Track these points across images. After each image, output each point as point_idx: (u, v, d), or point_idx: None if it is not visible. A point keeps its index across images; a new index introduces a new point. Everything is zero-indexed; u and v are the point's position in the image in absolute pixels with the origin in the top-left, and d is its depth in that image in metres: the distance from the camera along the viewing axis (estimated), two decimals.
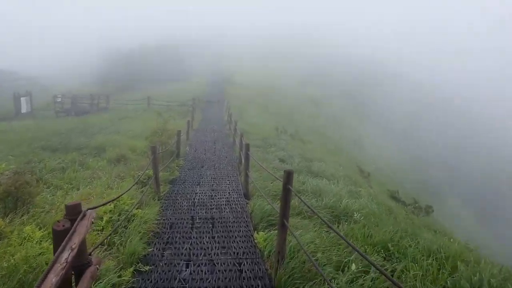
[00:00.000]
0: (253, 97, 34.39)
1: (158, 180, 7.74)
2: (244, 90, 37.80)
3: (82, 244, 2.85)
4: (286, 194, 4.37)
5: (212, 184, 9.03)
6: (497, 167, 40.35)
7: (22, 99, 25.98)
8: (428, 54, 75.48)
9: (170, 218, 6.51)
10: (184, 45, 68.43)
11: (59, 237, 2.53)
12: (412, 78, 61.09)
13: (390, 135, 44.11)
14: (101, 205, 3.99)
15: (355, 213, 6.72)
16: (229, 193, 8.24)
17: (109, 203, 5.70)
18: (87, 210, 2.98)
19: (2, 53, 64.80)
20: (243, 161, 9.69)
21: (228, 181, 9.37)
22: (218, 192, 8.25)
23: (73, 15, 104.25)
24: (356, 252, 4.94)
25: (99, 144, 13.30)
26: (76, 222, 2.73)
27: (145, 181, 8.12)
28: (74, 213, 2.86)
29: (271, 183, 8.66)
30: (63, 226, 2.60)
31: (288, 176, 4.35)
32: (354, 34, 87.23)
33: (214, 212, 6.92)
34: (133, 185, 6.58)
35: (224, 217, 6.60)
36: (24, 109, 25.97)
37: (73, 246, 2.43)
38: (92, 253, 3.43)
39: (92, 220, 3.02)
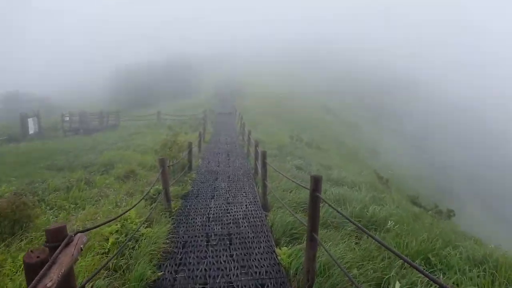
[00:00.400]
0: (266, 107, 33.84)
1: (169, 195, 7.10)
2: (256, 101, 37.30)
3: (66, 278, 2.21)
4: (314, 202, 3.72)
5: (227, 197, 8.36)
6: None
7: (30, 119, 25.70)
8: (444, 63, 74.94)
9: (183, 236, 5.88)
10: (194, 57, 68.56)
11: (32, 272, 1.93)
12: (430, 87, 60.53)
13: (406, 142, 43.37)
14: (95, 227, 3.32)
15: (389, 221, 6.03)
16: (246, 205, 7.57)
17: (112, 221, 5.08)
18: (74, 234, 2.36)
19: (12, 73, 65.62)
20: (259, 170, 9.07)
21: (244, 193, 8.71)
22: (234, 205, 7.59)
23: (81, 34, 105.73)
24: (396, 267, 4.30)
25: (107, 161, 12.74)
26: (57, 251, 2.12)
27: (154, 196, 7.52)
28: (57, 238, 2.26)
29: (290, 192, 8.01)
30: (37, 257, 1.99)
31: (316, 182, 3.69)
32: (373, 42, 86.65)
33: (231, 227, 6.27)
34: (140, 200, 5.96)
35: (242, 233, 5.95)
36: (31, 130, 25.65)
37: (48, 285, 1.81)
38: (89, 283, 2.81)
39: (82, 246, 2.39)
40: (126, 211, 4.95)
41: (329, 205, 3.81)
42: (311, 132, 27.09)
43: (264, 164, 7.70)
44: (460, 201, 32.13)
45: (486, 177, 39.25)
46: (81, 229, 2.45)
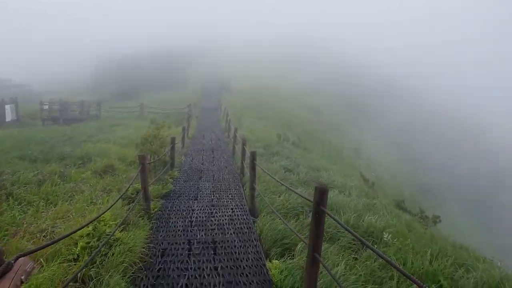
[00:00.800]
0: (252, 104, 33.30)
1: (148, 195, 6.49)
2: (242, 98, 36.73)
3: None
4: (319, 218, 3.20)
5: (212, 199, 7.79)
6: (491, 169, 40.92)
7: (7, 106, 24.66)
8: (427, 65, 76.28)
9: (162, 243, 5.32)
10: (180, 52, 67.59)
11: None
12: (412, 88, 61.46)
13: (389, 143, 43.66)
14: (47, 245, 2.71)
15: (384, 233, 5.56)
16: (232, 209, 7.01)
17: (78, 230, 4.48)
18: (14, 261, 1.77)
19: None
20: (246, 171, 8.54)
21: (230, 195, 8.14)
22: (219, 209, 7.02)
23: (66, 22, 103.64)
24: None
25: (85, 153, 12.01)
26: None
27: (133, 196, 6.93)
28: None
29: (279, 196, 7.50)
30: None
31: (322, 194, 3.17)
32: (361, 47, 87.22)
33: (216, 233, 5.72)
34: (116, 201, 5.36)
35: (227, 240, 5.41)
36: (9, 117, 24.64)
37: None
38: None
39: (23, 277, 1.80)
40: (99, 215, 4.36)
41: (339, 223, 3.28)
42: (296, 130, 26.73)
43: (253, 166, 7.10)
44: (442, 200, 32.73)
45: (464, 175, 40.13)
46: (23, 251, 1.82)
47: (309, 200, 3.46)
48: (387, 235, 5.44)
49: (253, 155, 7.17)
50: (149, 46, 69.59)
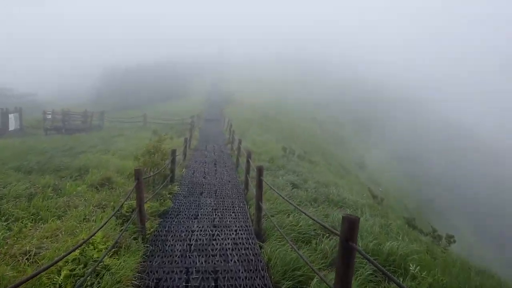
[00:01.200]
0: (255, 117, 32.94)
1: (143, 214, 5.84)
2: (245, 109, 36.40)
3: None
4: (347, 257, 2.56)
5: (214, 218, 7.14)
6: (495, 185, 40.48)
7: (11, 115, 24.36)
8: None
9: (157, 271, 4.68)
10: (183, 64, 67.66)
11: None
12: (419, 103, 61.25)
13: (394, 157, 43.18)
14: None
15: (410, 265, 4.90)
16: (236, 231, 6.33)
17: (61, 259, 3.89)
18: None
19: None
20: (251, 186, 7.93)
21: (233, 213, 7.49)
22: (221, 230, 6.35)
23: (70, 33, 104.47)
24: None
25: (83, 165, 11.46)
26: None
27: (127, 214, 6.33)
28: None
29: (288, 216, 6.87)
30: None
31: (352, 228, 2.55)
32: (368, 60, 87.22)
33: (217, 261, 5.04)
34: (107, 221, 4.74)
35: (231, 270, 4.74)
36: (12, 126, 24.32)
37: None
38: None
39: None
40: (88, 238, 3.78)
41: (378, 268, 2.64)
42: (300, 143, 26.23)
43: (260, 183, 6.42)
44: (445, 215, 32.27)
45: (469, 189, 39.73)
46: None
47: (331, 231, 2.85)
48: (414, 266, 4.78)
49: (260, 171, 6.49)
50: (155, 57, 69.65)
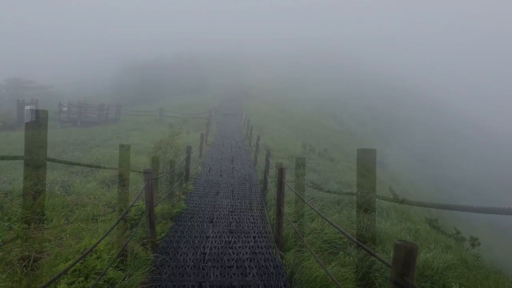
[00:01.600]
0: (274, 112, 32.30)
1: (153, 219, 5.29)
2: (263, 104, 35.76)
3: None
4: None
5: (231, 222, 6.58)
6: None
7: (27, 107, 24.27)
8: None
9: (166, 285, 4.14)
10: (202, 57, 67.26)
11: None
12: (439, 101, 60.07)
13: (413, 156, 42.07)
14: None
15: (453, 284, 4.25)
16: (254, 238, 5.73)
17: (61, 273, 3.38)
18: None
19: (18, 61, 64.71)
20: (270, 186, 7.35)
21: (251, 217, 6.92)
22: (238, 236, 5.77)
23: (90, 25, 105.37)
24: None
25: (95, 160, 11.08)
26: None
27: (136, 217, 5.82)
28: None
29: (312, 221, 6.27)
30: None
31: (408, 260, 1.93)
32: (387, 56, 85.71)
33: (234, 273, 4.44)
34: (113, 227, 4.20)
35: (249, 286, 4.13)
36: (28, 119, 24.21)
37: None
38: None
39: None
40: (91, 248, 3.27)
41: None
42: (319, 140, 25.52)
43: (281, 185, 5.77)
44: (464, 215, 31.41)
45: (486, 190, 38.52)
46: None
47: (383, 261, 2.26)
48: (457, 286, 4.14)
49: (281, 172, 5.81)
50: (173, 50, 69.47)
